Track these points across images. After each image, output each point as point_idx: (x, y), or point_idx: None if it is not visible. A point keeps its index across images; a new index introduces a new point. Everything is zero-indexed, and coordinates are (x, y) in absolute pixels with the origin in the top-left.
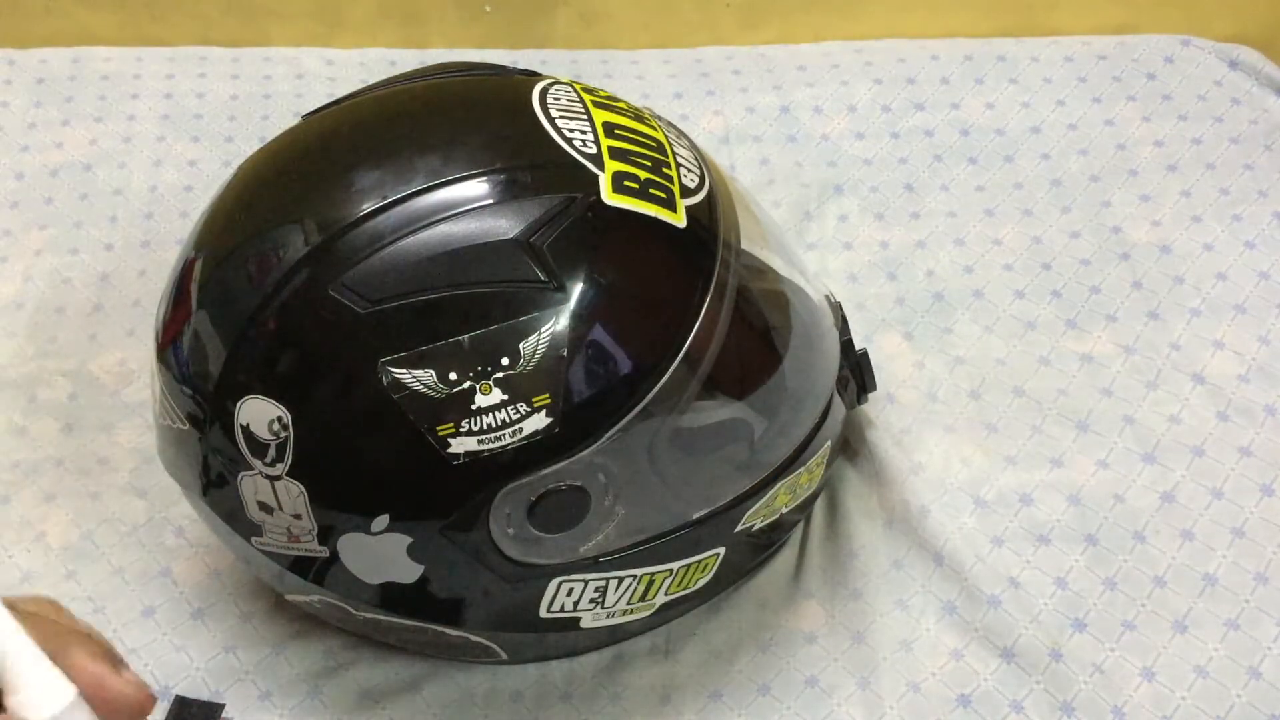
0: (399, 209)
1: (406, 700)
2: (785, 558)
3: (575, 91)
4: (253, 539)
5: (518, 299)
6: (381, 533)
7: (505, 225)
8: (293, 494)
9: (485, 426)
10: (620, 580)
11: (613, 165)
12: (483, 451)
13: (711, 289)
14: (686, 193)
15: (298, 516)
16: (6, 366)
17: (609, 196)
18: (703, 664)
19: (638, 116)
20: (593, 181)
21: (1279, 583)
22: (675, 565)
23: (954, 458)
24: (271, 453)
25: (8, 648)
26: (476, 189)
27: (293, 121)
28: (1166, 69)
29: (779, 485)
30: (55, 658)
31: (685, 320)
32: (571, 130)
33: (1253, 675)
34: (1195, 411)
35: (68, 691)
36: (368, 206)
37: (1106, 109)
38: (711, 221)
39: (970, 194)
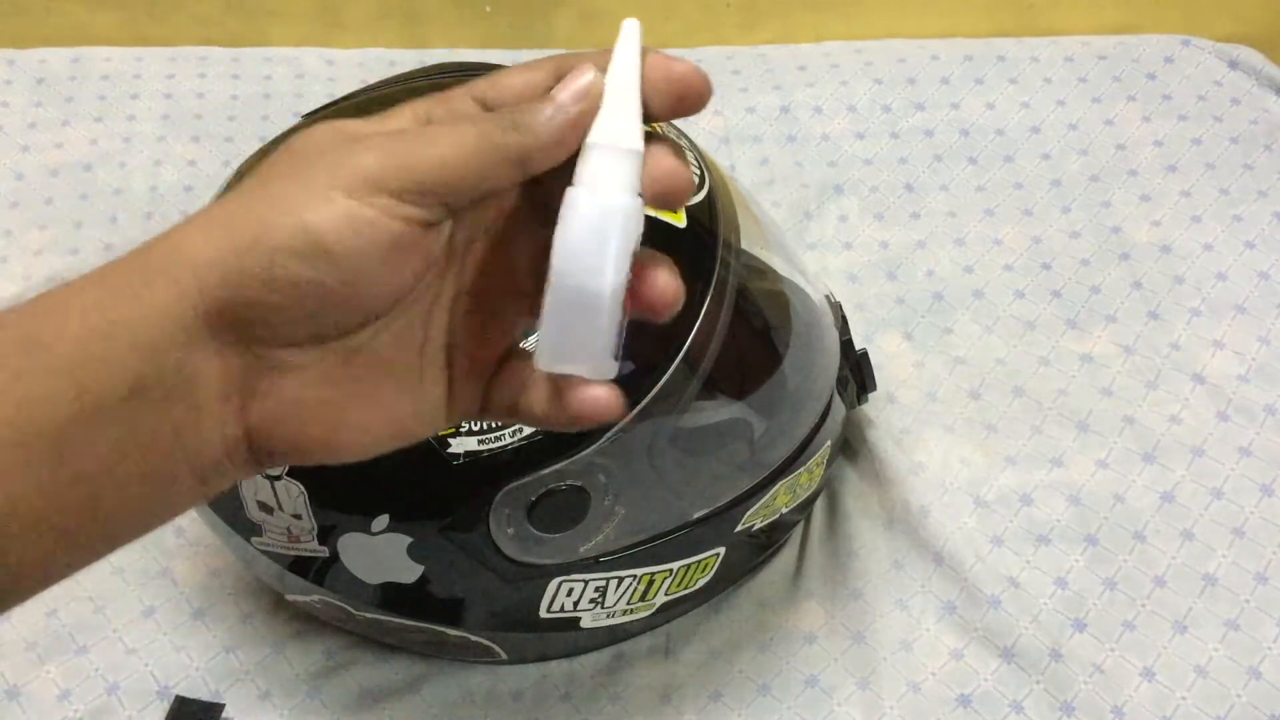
0: None
1: (406, 700)
2: (785, 558)
3: None
4: (253, 539)
5: None
6: (381, 533)
7: None
8: (292, 494)
9: (485, 426)
10: (620, 580)
11: None
12: (483, 451)
13: (711, 289)
14: None
15: (297, 516)
16: None
17: None
18: (703, 664)
19: None
20: None
21: (1279, 583)
22: (675, 565)
23: (954, 458)
24: None
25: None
26: None
27: (293, 121)
28: (1166, 69)
29: (779, 485)
30: None
31: (685, 320)
32: None
33: (1253, 675)
34: (1195, 411)
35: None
36: None
37: (1106, 109)
38: (711, 221)
39: (970, 194)
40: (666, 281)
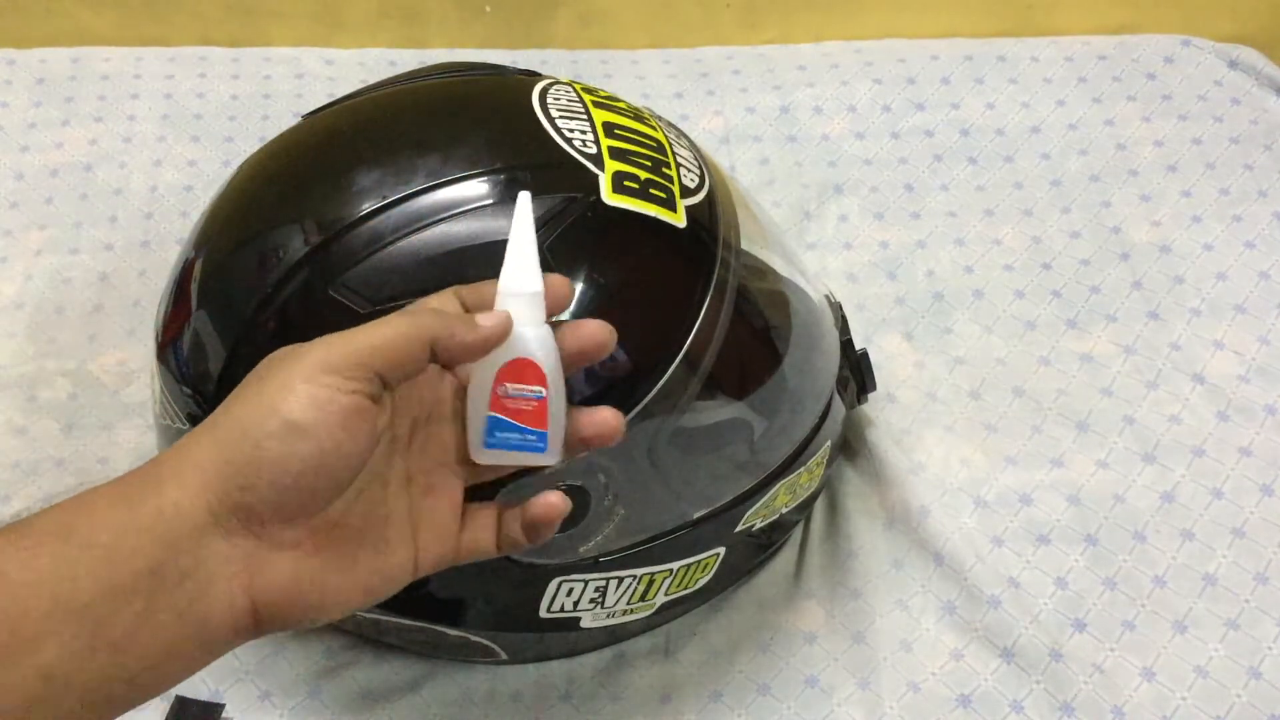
0: (399, 209)
1: (406, 700)
2: (785, 558)
3: (575, 91)
4: None
5: None
6: None
7: (505, 225)
8: None
9: None
10: (620, 580)
11: (613, 165)
12: None
13: (711, 289)
14: (686, 193)
15: None
16: (6, 366)
17: (609, 196)
18: (703, 664)
19: (638, 116)
20: (593, 181)
21: (1279, 583)
22: (675, 565)
23: (954, 458)
24: None
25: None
26: (476, 189)
27: (293, 121)
28: (1166, 69)
29: (779, 485)
30: None
31: (685, 320)
32: (571, 130)
33: (1253, 675)
34: (1195, 411)
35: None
36: (368, 206)
37: (1106, 109)
38: (711, 221)
39: (970, 194)
40: (602, 419)
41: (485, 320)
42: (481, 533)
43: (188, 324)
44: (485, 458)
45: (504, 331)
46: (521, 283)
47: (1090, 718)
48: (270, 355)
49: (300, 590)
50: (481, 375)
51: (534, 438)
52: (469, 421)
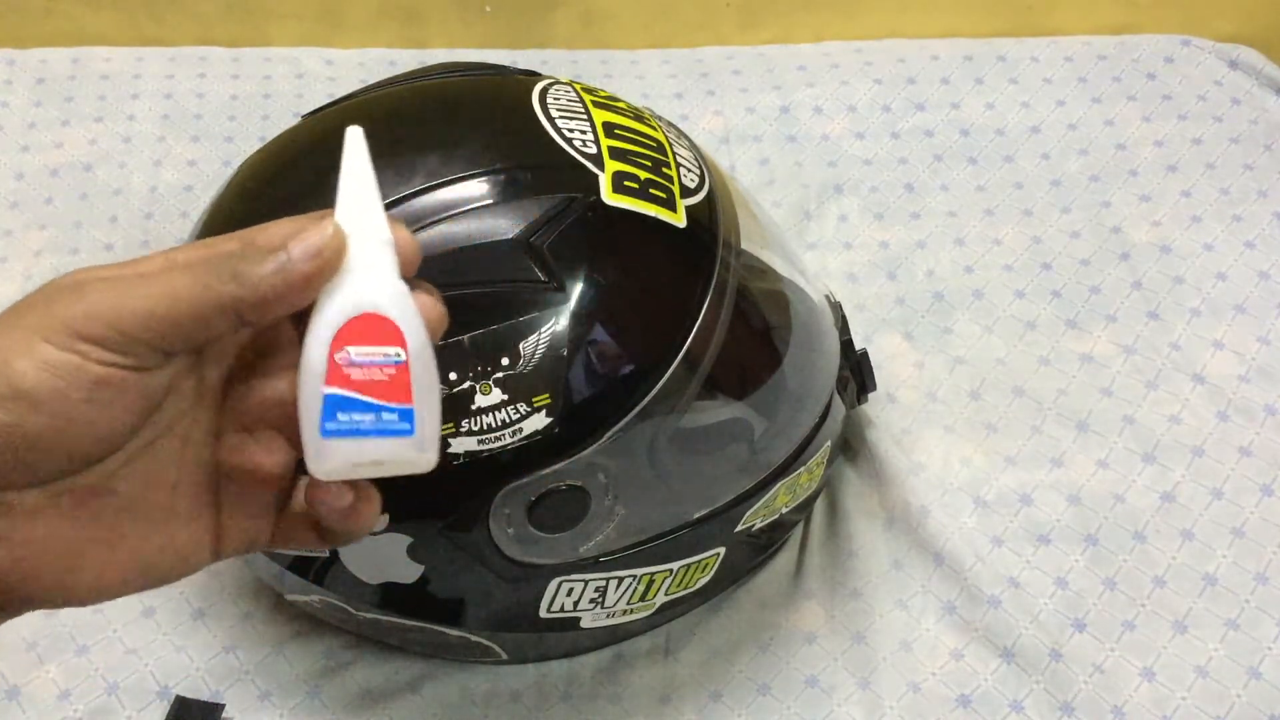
0: (398, 209)
1: (406, 700)
2: (785, 558)
3: (575, 91)
4: None
5: (518, 299)
6: (381, 533)
7: (505, 225)
8: None
9: (485, 426)
10: (620, 580)
11: (613, 165)
12: (482, 451)
13: (711, 289)
14: (686, 193)
15: None
16: None
17: (609, 196)
18: (703, 664)
19: (638, 116)
20: (593, 181)
21: (1279, 583)
22: (675, 565)
23: (954, 458)
24: None
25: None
26: (476, 189)
27: (293, 121)
28: (1166, 69)
29: (779, 485)
30: None
31: (685, 320)
32: (571, 130)
33: (1253, 675)
34: (1195, 411)
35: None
36: None
37: (1106, 109)
38: (711, 221)
39: (970, 194)
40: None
41: (296, 247)
42: (304, 518)
43: None
44: (327, 455)
45: (327, 258)
46: (361, 223)
47: (1090, 718)
48: (63, 275)
49: (48, 563)
50: (314, 337)
51: (395, 416)
52: (300, 409)
